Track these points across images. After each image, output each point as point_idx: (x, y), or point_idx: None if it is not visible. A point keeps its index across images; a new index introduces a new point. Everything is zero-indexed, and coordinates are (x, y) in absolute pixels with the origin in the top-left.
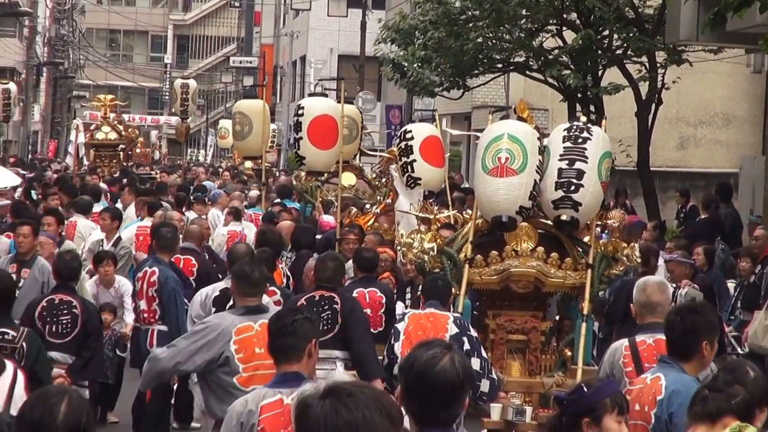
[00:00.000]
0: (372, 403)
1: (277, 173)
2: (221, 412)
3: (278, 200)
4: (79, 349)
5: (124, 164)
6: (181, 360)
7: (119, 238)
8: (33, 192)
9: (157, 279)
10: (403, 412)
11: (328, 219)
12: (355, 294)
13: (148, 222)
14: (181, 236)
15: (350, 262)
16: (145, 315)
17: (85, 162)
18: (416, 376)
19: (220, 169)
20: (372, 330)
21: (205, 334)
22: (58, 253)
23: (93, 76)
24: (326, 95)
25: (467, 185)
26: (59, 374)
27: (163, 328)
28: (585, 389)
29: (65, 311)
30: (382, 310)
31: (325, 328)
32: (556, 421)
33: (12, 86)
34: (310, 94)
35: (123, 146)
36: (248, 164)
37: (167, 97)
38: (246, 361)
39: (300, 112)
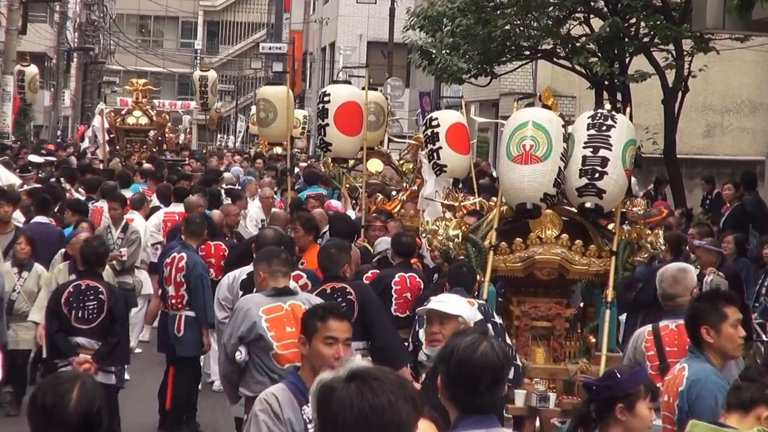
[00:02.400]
0: (397, 389)
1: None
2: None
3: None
4: (105, 334)
5: (154, 150)
6: (231, 349)
7: (127, 224)
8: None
9: (185, 264)
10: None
11: (336, 204)
12: (397, 278)
13: (175, 208)
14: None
15: (378, 247)
16: (173, 301)
17: (108, 147)
18: (458, 363)
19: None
20: (411, 314)
21: (234, 317)
22: (85, 239)
23: (123, 62)
24: (350, 82)
25: (494, 172)
26: (85, 359)
27: (191, 313)
28: (618, 375)
29: (91, 297)
30: (420, 296)
31: None
32: (584, 409)
33: (31, 69)
34: (334, 81)
35: (154, 131)
36: (278, 150)
37: None
38: (279, 339)
39: (326, 99)
